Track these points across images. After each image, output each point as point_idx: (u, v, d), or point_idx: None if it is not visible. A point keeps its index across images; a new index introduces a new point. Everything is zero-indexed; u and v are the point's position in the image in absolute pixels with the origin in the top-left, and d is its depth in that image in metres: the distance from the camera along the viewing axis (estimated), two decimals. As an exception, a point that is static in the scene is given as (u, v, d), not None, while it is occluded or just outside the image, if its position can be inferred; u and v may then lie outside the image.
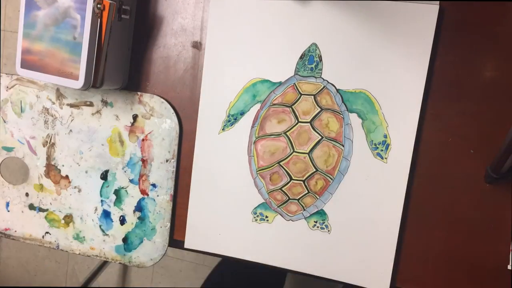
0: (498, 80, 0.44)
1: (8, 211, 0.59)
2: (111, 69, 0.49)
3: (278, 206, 0.50)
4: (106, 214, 0.56)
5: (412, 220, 0.47)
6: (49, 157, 0.57)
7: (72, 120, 0.55)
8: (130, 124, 0.53)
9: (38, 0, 0.46)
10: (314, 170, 0.48)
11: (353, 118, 0.47)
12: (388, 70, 0.45)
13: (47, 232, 0.58)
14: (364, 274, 0.48)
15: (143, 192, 0.54)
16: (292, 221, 0.50)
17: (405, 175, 0.46)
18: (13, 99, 0.57)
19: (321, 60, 0.47)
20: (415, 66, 0.45)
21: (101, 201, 0.56)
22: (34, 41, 0.47)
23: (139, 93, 0.53)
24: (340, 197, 0.48)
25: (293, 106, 0.48)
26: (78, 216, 0.57)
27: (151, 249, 0.55)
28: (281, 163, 0.49)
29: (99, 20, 0.45)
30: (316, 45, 0.47)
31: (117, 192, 0.55)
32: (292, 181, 0.49)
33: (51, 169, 0.57)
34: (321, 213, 0.49)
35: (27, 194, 0.58)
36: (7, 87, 0.57)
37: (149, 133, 0.53)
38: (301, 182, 0.49)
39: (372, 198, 0.47)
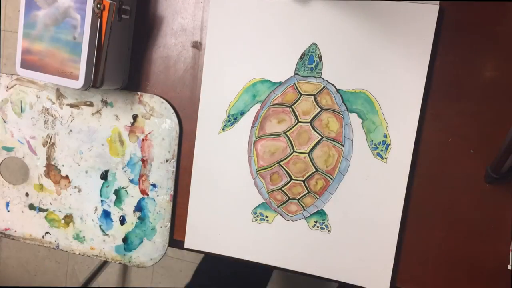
0: (498, 80, 0.44)
1: (8, 211, 0.59)
2: (111, 69, 0.49)
3: (278, 206, 0.50)
4: (106, 214, 0.56)
5: (412, 220, 0.47)
6: (49, 157, 0.57)
7: (72, 120, 0.55)
8: (130, 124, 0.53)
9: (38, 0, 0.46)
10: (314, 170, 0.48)
11: (353, 118, 0.47)
12: (388, 70, 0.45)
13: (47, 232, 0.58)
14: (364, 274, 0.48)
15: (143, 192, 0.54)
16: (292, 221, 0.50)
17: (405, 175, 0.46)
18: (13, 99, 0.57)
19: (321, 60, 0.47)
20: (415, 66, 0.45)
21: (101, 201, 0.56)
22: (34, 41, 0.47)
23: (139, 93, 0.53)
24: (340, 197, 0.48)
25: (293, 106, 0.48)
26: (78, 216, 0.57)
27: (151, 249, 0.55)
28: (281, 163, 0.49)
29: (99, 20, 0.45)
30: (316, 45, 0.47)
31: (117, 192, 0.55)
32: (292, 181, 0.49)
33: (51, 169, 0.57)
34: (321, 213, 0.49)
35: (27, 194, 0.58)
36: (7, 87, 0.57)
37: (149, 133, 0.53)
38: (301, 182, 0.49)
39: (372, 198, 0.47)
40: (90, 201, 0.56)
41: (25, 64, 0.47)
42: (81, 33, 0.45)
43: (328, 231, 0.49)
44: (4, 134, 0.58)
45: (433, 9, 0.44)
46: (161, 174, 0.53)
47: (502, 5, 0.43)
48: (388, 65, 0.45)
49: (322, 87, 0.47)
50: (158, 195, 0.54)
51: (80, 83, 0.46)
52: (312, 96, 0.48)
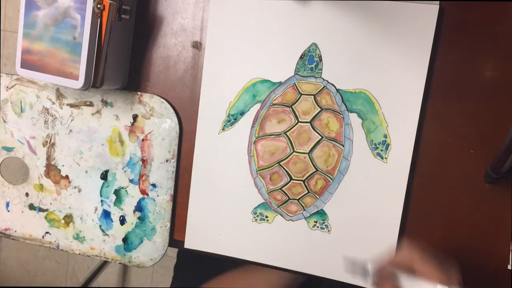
0: (498, 80, 0.44)
1: (8, 211, 0.59)
2: (111, 69, 0.49)
3: (278, 206, 0.50)
4: (106, 214, 0.56)
5: (412, 220, 0.47)
6: (49, 157, 0.57)
7: (72, 120, 0.55)
8: (130, 124, 0.53)
9: (38, 0, 0.46)
10: (314, 170, 0.48)
11: (353, 118, 0.47)
12: (388, 70, 0.45)
13: (47, 232, 0.58)
14: (364, 274, 0.48)
15: (143, 192, 0.54)
16: (292, 221, 0.50)
17: (405, 175, 0.46)
18: (13, 99, 0.57)
19: (321, 60, 0.47)
20: (415, 66, 0.45)
21: (101, 201, 0.56)
22: (34, 41, 0.47)
23: (139, 93, 0.53)
24: (340, 197, 0.48)
25: (293, 106, 0.48)
26: (78, 216, 0.57)
27: (151, 249, 0.55)
28: (281, 163, 0.49)
29: (99, 20, 0.45)
30: (316, 45, 0.47)
31: (117, 192, 0.55)
32: (292, 181, 0.49)
33: (51, 169, 0.57)
34: (321, 213, 0.49)
35: (27, 194, 0.58)
36: (7, 87, 0.57)
37: (149, 133, 0.53)
38: (301, 182, 0.49)
39: (372, 198, 0.47)
40: (90, 201, 0.56)
41: (25, 64, 0.47)
42: (81, 33, 0.45)
43: (328, 231, 0.49)
44: (4, 134, 0.58)
45: (433, 9, 0.44)
46: (161, 174, 0.53)
47: (502, 5, 0.43)
48: (388, 65, 0.45)
49: (322, 87, 0.47)
50: (158, 195, 0.54)
51: (80, 83, 0.46)
52: (312, 96, 0.48)
